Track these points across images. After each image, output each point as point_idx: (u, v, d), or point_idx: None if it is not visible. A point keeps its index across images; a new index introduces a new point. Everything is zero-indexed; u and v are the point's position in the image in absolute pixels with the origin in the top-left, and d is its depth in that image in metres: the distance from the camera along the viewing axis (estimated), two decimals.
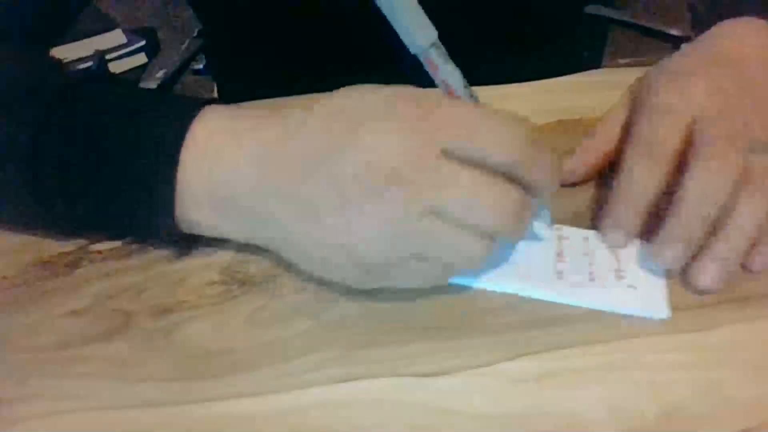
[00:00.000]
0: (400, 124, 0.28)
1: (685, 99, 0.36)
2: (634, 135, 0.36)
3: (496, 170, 0.28)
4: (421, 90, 0.30)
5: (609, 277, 0.34)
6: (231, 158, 0.31)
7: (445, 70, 0.31)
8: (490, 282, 0.34)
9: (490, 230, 0.29)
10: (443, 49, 0.30)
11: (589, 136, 0.40)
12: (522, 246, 0.35)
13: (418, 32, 0.30)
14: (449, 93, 0.31)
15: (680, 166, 0.34)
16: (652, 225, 0.34)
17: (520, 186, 0.29)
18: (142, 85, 0.74)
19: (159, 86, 0.74)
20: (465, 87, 0.32)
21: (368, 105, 0.29)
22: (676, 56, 0.41)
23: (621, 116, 0.39)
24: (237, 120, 0.32)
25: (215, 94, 0.87)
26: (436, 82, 0.31)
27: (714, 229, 0.32)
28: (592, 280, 0.34)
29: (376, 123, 0.28)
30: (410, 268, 0.30)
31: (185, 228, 0.33)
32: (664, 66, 0.40)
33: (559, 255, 0.35)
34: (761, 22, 0.41)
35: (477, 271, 0.34)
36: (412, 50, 0.30)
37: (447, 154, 0.28)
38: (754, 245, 0.33)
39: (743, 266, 0.34)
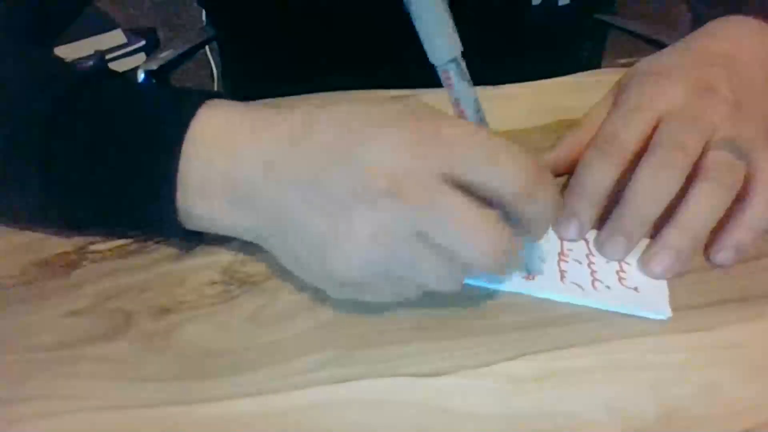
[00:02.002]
0: (407, 140, 0.28)
1: (652, 99, 0.37)
2: (599, 132, 0.38)
3: (493, 201, 0.28)
4: (434, 109, 0.29)
5: (611, 277, 0.34)
6: (248, 154, 0.31)
7: (460, 88, 0.30)
8: (493, 281, 0.34)
9: (470, 265, 0.29)
10: (463, 66, 0.30)
11: (572, 130, 0.41)
12: (525, 246, 0.35)
13: (441, 44, 0.29)
14: (459, 112, 0.31)
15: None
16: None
17: (514, 219, 0.29)
18: (142, 69, 0.74)
19: (159, 67, 0.74)
20: (477, 110, 0.31)
21: (382, 115, 0.29)
22: (658, 55, 0.42)
23: (603, 112, 0.40)
24: (250, 114, 0.32)
25: (215, 86, 0.87)
26: (449, 97, 0.31)
27: (670, 219, 0.34)
28: (594, 280, 0.34)
29: (385, 134, 0.28)
30: (383, 286, 0.30)
31: (190, 224, 0.33)
32: (642, 65, 0.41)
33: (562, 254, 0.35)
34: (755, 21, 0.42)
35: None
36: (432, 61, 0.30)
37: (447, 177, 0.27)
38: (718, 240, 0.35)
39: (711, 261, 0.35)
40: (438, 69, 0.30)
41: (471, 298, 0.33)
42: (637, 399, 0.29)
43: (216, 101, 0.33)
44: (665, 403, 0.29)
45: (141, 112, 0.32)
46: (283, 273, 0.34)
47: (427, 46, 0.29)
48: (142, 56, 1.44)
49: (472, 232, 0.27)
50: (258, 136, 0.31)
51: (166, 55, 0.75)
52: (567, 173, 0.39)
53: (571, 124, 0.41)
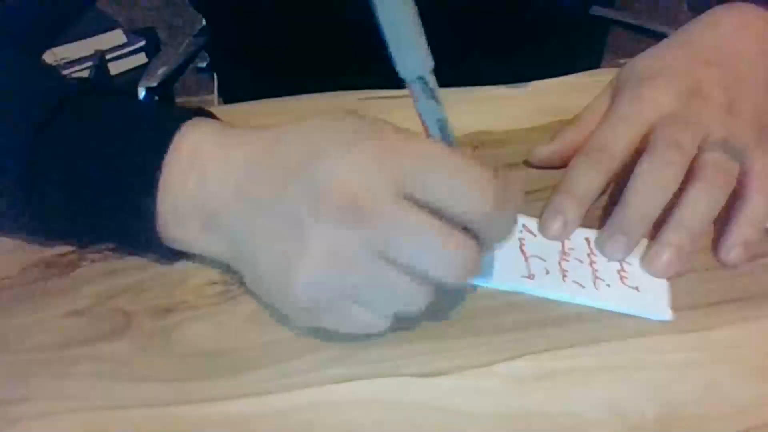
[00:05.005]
0: (365, 157, 0.27)
1: (642, 108, 0.38)
2: (590, 138, 0.38)
3: (452, 218, 0.27)
4: (396, 127, 0.29)
5: (612, 277, 0.34)
6: (217, 173, 0.31)
7: (424, 105, 0.29)
8: (494, 280, 0.34)
9: (436, 281, 0.28)
10: (432, 82, 0.29)
11: (569, 124, 0.41)
12: (527, 245, 0.35)
13: (409, 61, 0.28)
14: (424, 127, 0.30)
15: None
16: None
17: (472, 235, 0.28)
18: (142, 84, 0.73)
19: (159, 84, 0.74)
20: (441, 127, 0.30)
21: (339, 132, 0.28)
22: (654, 52, 0.42)
23: (599, 110, 0.40)
24: (224, 135, 0.32)
25: (215, 93, 0.87)
26: (418, 115, 0.30)
27: (668, 219, 0.35)
28: (595, 279, 0.34)
29: (343, 151, 0.27)
30: (343, 311, 0.28)
31: (171, 245, 0.33)
32: (637, 65, 0.41)
33: (563, 254, 0.35)
34: (755, 9, 0.41)
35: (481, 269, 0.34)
36: (401, 75, 0.29)
37: (406, 195, 0.27)
38: (725, 240, 0.35)
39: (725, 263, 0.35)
40: (405, 83, 0.29)
41: (471, 298, 0.33)
42: (637, 399, 0.29)
43: (197, 121, 0.32)
44: (665, 403, 0.29)
45: (122, 133, 0.32)
46: None
47: (395, 60, 0.28)
48: (142, 56, 1.44)
49: (438, 247, 0.27)
50: (228, 159, 0.31)
51: (163, 72, 0.75)
52: (563, 166, 0.40)
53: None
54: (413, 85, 0.29)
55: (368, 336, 0.31)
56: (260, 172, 0.30)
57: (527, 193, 0.39)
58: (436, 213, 0.27)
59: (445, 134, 0.30)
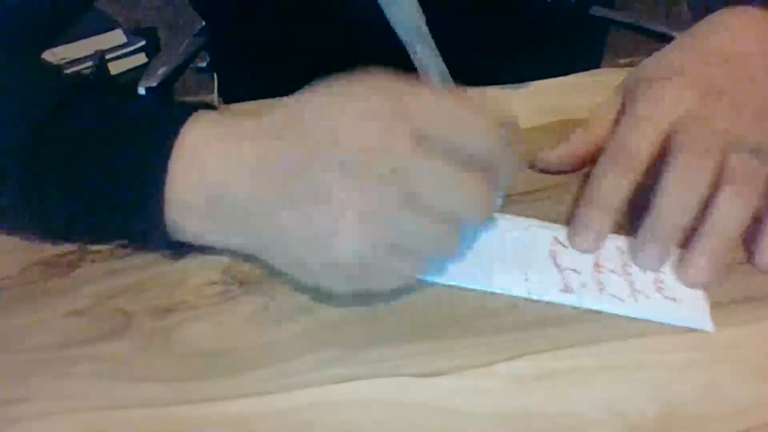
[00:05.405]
0: (374, 112, 0.29)
1: (661, 108, 0.37)
2: (611, 140, 0.37)
3: (465, 158, 0.29)
4: (398, 80, 0.30)
5: (649, 288, 0.33)
6: (221, 165, 0.31)
7: (425, 56, 0.31)
8: (534, 294, 0.33)
9: (461, 218, 0.30)
10: (428, 36, 0.31)
11: (579, 129, 0.41)
12: (559, 257, 0.35)
13: (403, 16, 0.30)
14: (427, 80, 0.32)
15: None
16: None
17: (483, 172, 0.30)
18: (142, 84, 0.73)
19: (159, 84, 0.73)
20: (442, 74, 0.32)
21: (345, 96, 0.30)
22: (661, 56, 0.41)
23: (610, 114, 0.40)
24: (225, 127, 0.32)
25: (215, 93, 0.87)
26: (418, 68, 0.31)
27: (701, 225, 0.34)
28: (633, 291, 0.33)
29: (353, 114, 0.29)
30: (387, 265, 0.30)
31: (178, 237, 0.33)
32: (646, 68, 0.41)
33: (598, 266, 0.34)
34: (758, 11, 0.41)
35: (515, 281, 0.33)
36: (397, 33, 0.30)
37: (419, 141, 0.28)
38: (759, 245, 0.34)
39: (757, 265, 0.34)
40: (403, 40, 0.31)
41: (471, 298, 0.33)
42: (637, 399, 0.29)
43: (201, 114, 0.32)
44: (665, 403, 0.29)
45: (125, 129, 0.32)
46: (283, 273, 0.34)
47: (390, 19, 0.30)
48: (142, 56, 1.44)
49: (460, 186, 0.29)
50: (228, 155, 0.31)
51: (163, 71, 0.75)
52: (571, 171, 0.40)
53: (570, 124, 0.41)
54: (412, 38, 0.31)
55: (368, 334, 0.31)
56: (274, 154, 0.30)
57: (527, 193, 0.39)
58: (448, 152, 0.29)
59: (446, 81, 0.32)
